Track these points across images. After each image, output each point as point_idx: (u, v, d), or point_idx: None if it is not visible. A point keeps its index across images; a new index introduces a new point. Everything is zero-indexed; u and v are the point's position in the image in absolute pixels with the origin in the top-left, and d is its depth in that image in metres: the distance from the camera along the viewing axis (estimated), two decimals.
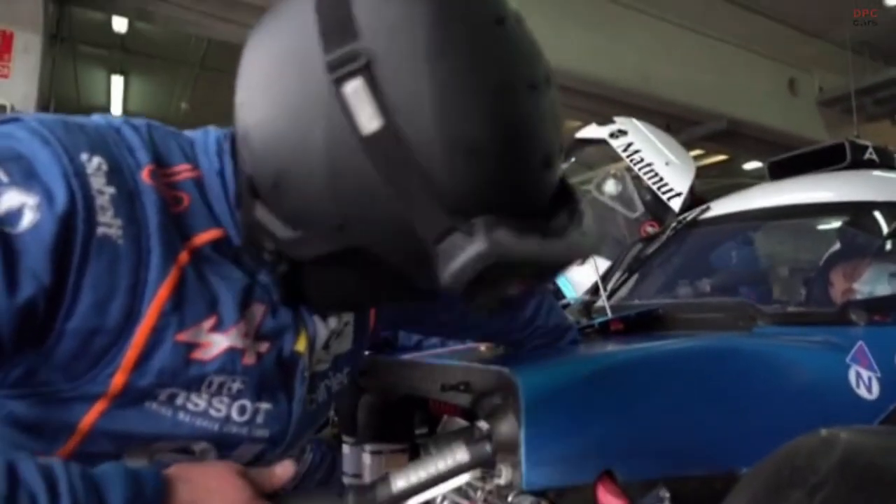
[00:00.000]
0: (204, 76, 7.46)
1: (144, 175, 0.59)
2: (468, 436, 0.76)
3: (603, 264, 2.20)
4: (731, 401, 1.08)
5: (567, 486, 0.92)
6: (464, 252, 0.51)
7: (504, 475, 0.96)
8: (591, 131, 2.72)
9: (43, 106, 4.60)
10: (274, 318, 0.65)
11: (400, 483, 0.65)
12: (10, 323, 0.51)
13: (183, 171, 0.63)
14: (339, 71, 0.52)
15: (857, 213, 1.67)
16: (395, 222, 0.54)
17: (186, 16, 5.18)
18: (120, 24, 6.21)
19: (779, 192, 1.85)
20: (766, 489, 0.64)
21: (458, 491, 1.04)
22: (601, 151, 2.70)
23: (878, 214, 1.67)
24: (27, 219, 0.52)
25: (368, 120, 0.52)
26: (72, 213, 0.53)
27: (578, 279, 2.04)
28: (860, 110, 7.81)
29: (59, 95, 5.99)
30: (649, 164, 2.48)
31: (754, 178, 6.68)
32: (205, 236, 0.62)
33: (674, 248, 1.79)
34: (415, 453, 1.08)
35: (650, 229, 2.43)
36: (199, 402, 0.61)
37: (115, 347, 0.56)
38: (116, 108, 8.01)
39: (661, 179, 2.44)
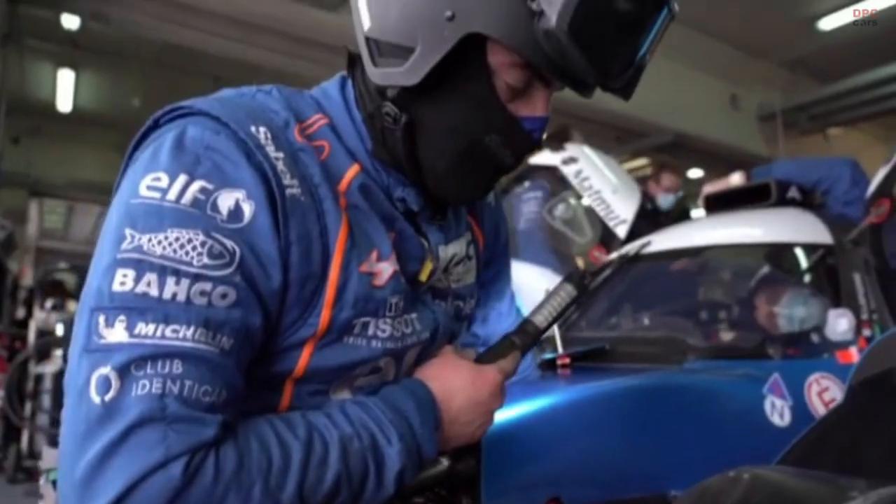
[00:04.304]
0: (158, 73, 7.34)
1: (296, 133, 0.66)
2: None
3: (554, 278, 2.33)
4: (663, 432, 1.23)
5: None
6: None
7: None
8: (545, 157, 2.87)
9: None
10: (407, 244, 0.73)
11: (540, 318, 0.80)
12: (276, 303, 0.61)
13: (317, 120, 0.70)
14: None
15: (779, 251, 1.88)
16: None
17: (142, 19, 5.11)
18: (70, 21, 6.06)
19: (712, 229, 2.05)
20: None
21: None
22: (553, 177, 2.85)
23: (797, 251, 1.89)
24: (247, 210, 0.59)
25: None
26: (270, 188, 0.60)
27: (527, 284, 2.12)
28: (795, 125, 8.28)
29: (8, 89, 5.83)
30: (597, 192, 2.64)
31: (696, 186, 6.99)
32: (349, 174, 0.68)
33: (617, 280, 1.96)
34: None
35: (598, 254, 2.60)
36: (385, 327, 0.70)
37: (319, 289, 0.64)
38: (66, 102, 7.77)
39: (608, 206, 2.60)
